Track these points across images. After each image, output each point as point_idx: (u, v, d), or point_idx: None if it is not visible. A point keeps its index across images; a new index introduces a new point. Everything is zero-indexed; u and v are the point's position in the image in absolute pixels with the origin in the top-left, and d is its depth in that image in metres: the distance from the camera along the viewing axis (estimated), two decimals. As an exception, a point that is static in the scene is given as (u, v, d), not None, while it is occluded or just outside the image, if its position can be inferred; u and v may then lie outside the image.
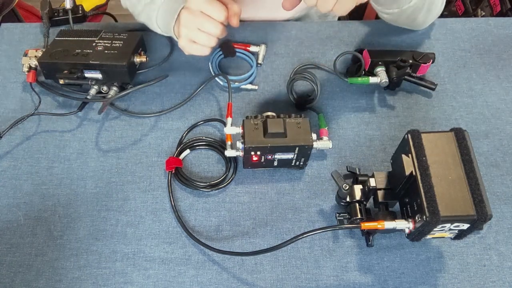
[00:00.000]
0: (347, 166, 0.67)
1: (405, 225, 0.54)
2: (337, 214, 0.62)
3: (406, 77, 0.76)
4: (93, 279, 0.61)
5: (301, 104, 0.76)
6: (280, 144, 0.62)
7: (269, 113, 0.66)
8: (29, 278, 0.61)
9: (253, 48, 0.82)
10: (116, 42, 0.75)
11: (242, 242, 0.64)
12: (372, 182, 0.59)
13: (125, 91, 0.73)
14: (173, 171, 0.68)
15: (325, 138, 0.69)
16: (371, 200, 0.62)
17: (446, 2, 0.80)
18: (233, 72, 0.81)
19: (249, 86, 0.78)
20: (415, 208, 0.52)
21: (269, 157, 0.65)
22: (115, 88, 0.74)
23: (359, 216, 0.59)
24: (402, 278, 0.61)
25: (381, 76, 0.74)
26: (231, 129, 0.66)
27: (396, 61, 0.75)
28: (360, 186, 0.61)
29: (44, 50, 0.75)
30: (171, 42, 0.84)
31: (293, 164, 0.67)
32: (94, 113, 0.76)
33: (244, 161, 0.66)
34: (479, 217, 0.48)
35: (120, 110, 0.76)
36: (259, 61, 0.81)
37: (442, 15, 0.83)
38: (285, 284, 0.61)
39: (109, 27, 0.89)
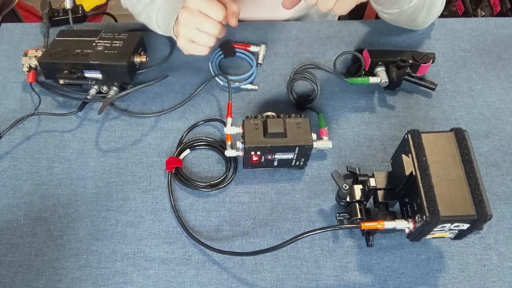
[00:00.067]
0: (347, 166, 0.67)
1: (405, 225, 0.54)
2: (337, 214, 0.62)
3: (406, 77, 0.76)
4: (93, 279, 0.61)
5: (301, 104, 0.76)
6: (280, 144, 0.62)
7: (269, 113, 0.66)
8: (29, 278, 0.61)
9: (253, 48, 0.82)
10: (116, 42, 0.75)
11: (242, 242, 0.64)
12: (372, 182, 0.59)
13: (125, 91, 0.73)
14: (173, 171, 0.68)
15: (325, 138, 0.69)
16: (371, 200, 0.62)
17: (446, 2, 0.80)
18: (233, 72, 0.81)
19: (249, 86, 0.78)
20: (415, 208, 0.52)
21: (269, 157, 0.65)
22: (115, 88, 0.74)
23: (359, 216, 0.59)
24: (402, 278, 0.61)
25: (381, 76, 0.74)
26: (231, 129, 0.66)
27: (396, 61, 0.75)
28: (360, 186, 0.61)
29: (44, 50, 0.75)
30: (171, 42, 0.84)
31: (293, 164, 0.67)
32: (94, 113, 0.76)
33: (244, 161, 0.66)
34: (479, 217, 0.48)
35: (120, 110, 0.76)
36: (259, 61, 0.81)
37: (442, 15, 0.83)
38: (285, 284, 0.61)
39: (109, 27, 0.89)
